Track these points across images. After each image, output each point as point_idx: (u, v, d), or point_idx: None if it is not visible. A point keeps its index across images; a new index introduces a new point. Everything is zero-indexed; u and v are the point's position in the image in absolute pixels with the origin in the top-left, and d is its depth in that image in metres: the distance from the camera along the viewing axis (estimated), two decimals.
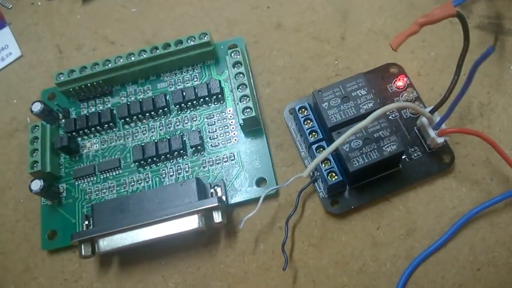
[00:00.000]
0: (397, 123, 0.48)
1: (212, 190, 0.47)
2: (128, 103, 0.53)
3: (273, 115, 0.52)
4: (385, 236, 0.45)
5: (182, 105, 0.52)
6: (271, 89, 0.54)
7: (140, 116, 0.52)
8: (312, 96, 0.46)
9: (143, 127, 0.53)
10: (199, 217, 0.44)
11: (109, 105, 0.55)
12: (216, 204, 0.44)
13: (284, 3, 0.59)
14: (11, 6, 0.66)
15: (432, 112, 0.45)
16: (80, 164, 0.52)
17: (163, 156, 0.50)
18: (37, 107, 0.52)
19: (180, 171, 0.50)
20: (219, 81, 0.52)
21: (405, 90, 0.50)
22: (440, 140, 0.45)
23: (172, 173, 0.50)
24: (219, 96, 0.52)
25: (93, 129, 0.53)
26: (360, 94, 0.45)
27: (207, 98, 0.52)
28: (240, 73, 0.50)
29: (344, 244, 0.45)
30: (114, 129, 0.53)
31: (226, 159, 0.50)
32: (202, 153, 0.50)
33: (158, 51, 0.53)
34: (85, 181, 0.51)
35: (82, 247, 0.45)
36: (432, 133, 0.45)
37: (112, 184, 0.51)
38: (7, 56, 0.62)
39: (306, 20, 0.57)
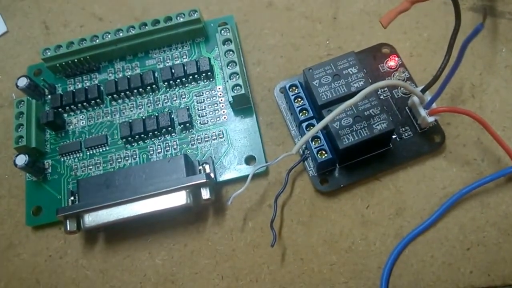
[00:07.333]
0: (389, 103, 0.48)
1: (200, 167, 0.47)
2: (116, 79, 0.52)
3: (264, 94, 0.52)
4: (375, 215, 0.45)
5: (171, 82, 0.51)
6: (262, 67, 0.53)
7: (127, 92, 0.52)
8: (303, 73, 0.46)
9: (131, 104, 0.52)
10: (187, 193, 0.43)
11: (96, 82, 0.54)
12: (204, 180, 0.43)
13: None
14: None
15: (423, 91, 0.44)
16: (66, 140, 0.51)
17: (150, 133, 0.49)
18: (22, 82, 0.51)
19: (168, 148, 0.49)
20: (209, 59, 0.51)
21: (397, 70, 0.49)
22: (431, 119, 0.44)
23: (160, 150, 0.49)
24: (209, 73, 0.51)
25: (79, 105, 0.52)
26: (351, 72, 0.45)
27: (196, 76, 0.51)
28: (230, 50, 0.49)
29: (333, 223, 0.45)
30: (101, 106, 0.52)
31: (215, 137, 0.49)
32: (190, 130, 0.50)
33: (147, 27, 0.52)
34: (71, 157, 0.50)
35: (68, 222, 0.44)
36: (423, 112, 0.45)
37: (99, 161, 0.50)
38: None
39: None
